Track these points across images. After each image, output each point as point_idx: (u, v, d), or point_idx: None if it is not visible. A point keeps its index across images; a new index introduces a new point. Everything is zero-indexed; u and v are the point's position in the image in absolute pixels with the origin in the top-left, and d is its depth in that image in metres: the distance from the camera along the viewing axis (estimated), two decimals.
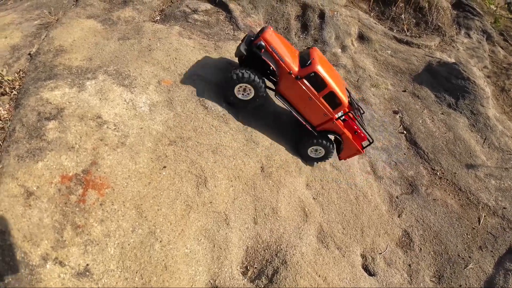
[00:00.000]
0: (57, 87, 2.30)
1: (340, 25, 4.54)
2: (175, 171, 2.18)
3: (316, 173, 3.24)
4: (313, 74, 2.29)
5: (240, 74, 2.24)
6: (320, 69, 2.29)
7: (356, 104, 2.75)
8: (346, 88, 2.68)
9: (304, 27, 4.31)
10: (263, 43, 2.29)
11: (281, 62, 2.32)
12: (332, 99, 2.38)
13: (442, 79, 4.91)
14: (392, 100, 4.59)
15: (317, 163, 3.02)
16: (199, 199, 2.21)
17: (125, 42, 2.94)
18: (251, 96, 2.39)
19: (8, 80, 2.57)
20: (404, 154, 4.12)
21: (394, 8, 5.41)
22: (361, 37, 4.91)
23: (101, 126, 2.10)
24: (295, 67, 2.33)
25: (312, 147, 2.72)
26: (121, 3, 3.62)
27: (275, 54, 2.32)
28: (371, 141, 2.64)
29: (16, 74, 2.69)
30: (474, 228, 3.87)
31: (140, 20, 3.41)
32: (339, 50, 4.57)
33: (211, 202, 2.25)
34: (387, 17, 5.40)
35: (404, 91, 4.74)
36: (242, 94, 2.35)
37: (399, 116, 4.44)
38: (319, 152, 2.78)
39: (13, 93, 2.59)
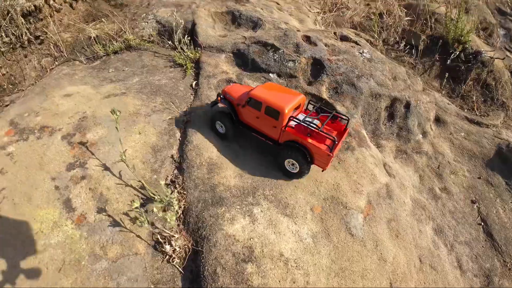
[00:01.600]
0: (234, 218, 2.92)
1: (422, 112, 5.26)
2: None
3: (420, 276, 3.93)
4: (249, 99, 3.10)
5: (217, 115, 3.37)
6: (255, 93, 3.06)
7: (327, 110, 3.24)
8: (311, 103, 3.46)
9: (391, 116, 5.02)
10: (220, 93, 3.39)
11: (232, 100, 3.29)
12: (272, 111, 2.99)
13: None
14: (470, 188, 5.32)
15: (298, 179, 3.30)
16: None
17: (267, 158, 3.58)
18: (224, 131, 3.47)
19: (172, 198, 3.14)
20: (482, 246, 4.83)
21: (464, 86, 6.17)
22: (437, 120, 5.64)
23: (287, 265, 2.72)
24: (242, 100, 3.24)
25: (286, 160, 3.13)
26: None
27: (228, 97, 3.32)
28: (332, 139, 2.75)
29: (175, 189, 3.26)
30: None
31: None
32: (421, 136, 5.28)
33: None
34: (457, 94, 6.16)
35: (479, 177, 5.48)
36: (220, 128, 3.46)
37: (477, 206, 5.16)
38: (295, 167, 3.14)
39: (179, 214, 3.14)
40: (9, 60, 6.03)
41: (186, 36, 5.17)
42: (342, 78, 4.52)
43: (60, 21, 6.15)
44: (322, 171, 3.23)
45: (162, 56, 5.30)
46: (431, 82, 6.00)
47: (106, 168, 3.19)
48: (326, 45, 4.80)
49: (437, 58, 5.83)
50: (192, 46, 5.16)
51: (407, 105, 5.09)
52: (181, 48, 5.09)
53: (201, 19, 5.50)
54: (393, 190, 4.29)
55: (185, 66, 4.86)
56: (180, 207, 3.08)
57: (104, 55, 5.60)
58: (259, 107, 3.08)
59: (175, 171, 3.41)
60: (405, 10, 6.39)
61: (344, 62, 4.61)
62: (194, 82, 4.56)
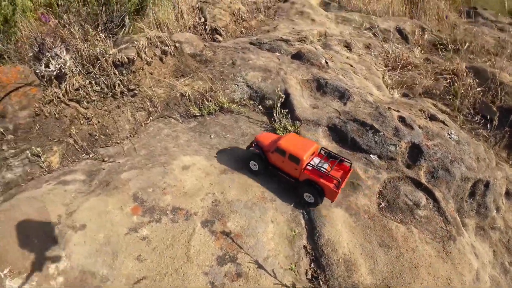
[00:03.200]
0: None
1: (497, 189, 5.64)
2: None
3: None
4: (276, 147, 4.00)
5: (253, 156, 4.32)
6: (281, 144, 3.97)
7: (335, 156, 4.22)
8: (323, 150, 4.37)
9: (472, 194, 5.37)
10: (254, 141, 4.36)
11: (263, 147, 4.21)
12: (293, 158, 3.88)
13: None
14: None
15: (313, 208, 4.22)
16: None
17: (390, 252, 3.92)
18: (257, 169, 4.35)
19: None
20: None
21: None
22: (507, 193, 6.04)
23: None
24: (271, 147, 4.16)
25: (305, 193, 4.09)
26: (350, 185, 4.62)
27: (260, 144, 4.26)
28: (338, 180, 3.84)
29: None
30: None
31: (373, 209, 4.41)
32: (495, 212, 5.67)
33: None
34: None
35: None
36: (254, 166, 4.32)
37: None
38: (311, 198, 4.09)
39: None
40: (100, 109, 6.30)
41: (280, 106, 5.50)
42: (438, 163, 4.86)
43: (151, 74, 6.45)
44: (332, 202, 4.16)
45: (257, 122, 5.62)
46: (500, 153, 6.39)
47: (259, 266, 3.50)
48: (420, 127, 5.15)
49: (508, 131, 6.22)
50: (289, 118, 5.46)
51: (487, 184, 5.45)
52: (279, 120, 5.41)
53: (293, 89, 5.82)
54: (479, 272, 4.68)
55: None
56: None
57: (198, 115, 5.91)
58: (284, 154, 3.99)
59: (313, 265, 3.74)
60: (476, 80, 6.75)
61: (439, 147, 4.95)
62: None
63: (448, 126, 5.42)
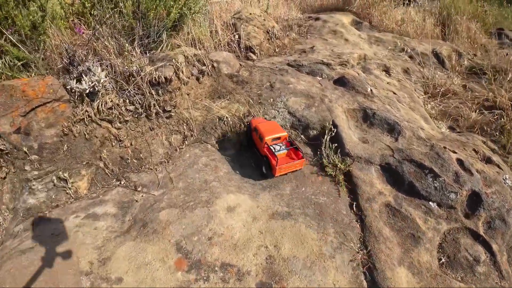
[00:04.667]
0: None
1: None
2: None
3: None
4: (254, 127, 4.63)
5: (244, 133, 5.09)
6: (257, 125, 4.58)
7: (291, 142, 4.68)
8: (287, 136, 4.68)
9: None
10: (249, 121, 5.03)
11: (251, 126, 4.79)
12: (260, 137, 4.45)
13: None
14: None
15: (266, 178, 4.62)
16: None
17: None
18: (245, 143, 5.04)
19: None
20: None
21: None
22: None
23: None
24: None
25: (263, 166, 4.55)
26: (410, 237, 4.15)
27: (251, 124, 4.86)
28: (276, 159, 4.30)
29: None
30: None
31: (434, 266, 3.89)
32: None
33: None
34: None
35: None
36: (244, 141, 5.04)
37: None
38: (265, 170, 4.54)
39: None
40: (133, 130, 5.79)
41: (328, 139, 4.99)
42: (496, 213, 4.37)
43: (188, 95, 5.93)
44: (274, 176, 4.50)
45: None
46: None
47: None
48: (477, 171, 4.67)
49: None
50: (339, 153, 4.96)
51: None
52: (327, 155, 4.92)
53: (340, 119, 5.30)
54: None
55: (336, 179, 4.68)
56: None
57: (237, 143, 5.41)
58: (257, 132, 4.54)
59: None
60: None
61: (497, 195, 4.46)
62: (355, 204, 4.40)
63: (502, 170, 4.94)
